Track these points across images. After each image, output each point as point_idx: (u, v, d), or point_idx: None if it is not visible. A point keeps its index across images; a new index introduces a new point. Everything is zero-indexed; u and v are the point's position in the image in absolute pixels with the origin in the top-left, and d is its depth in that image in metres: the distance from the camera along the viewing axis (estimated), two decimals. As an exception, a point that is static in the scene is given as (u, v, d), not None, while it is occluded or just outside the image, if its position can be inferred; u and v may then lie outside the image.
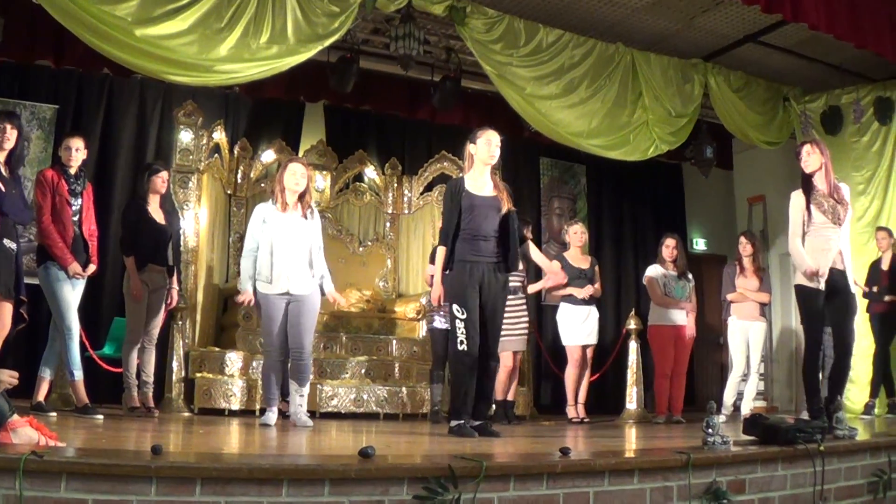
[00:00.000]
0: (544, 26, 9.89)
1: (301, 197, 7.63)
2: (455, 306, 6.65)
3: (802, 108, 11.72)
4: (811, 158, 7.27)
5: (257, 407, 9.11)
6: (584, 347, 10.28)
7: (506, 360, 9.25)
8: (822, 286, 7.11)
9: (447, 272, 6.82)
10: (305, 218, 7.60)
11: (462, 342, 6.57)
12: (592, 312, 10.32)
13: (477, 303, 6.70)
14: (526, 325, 9.89)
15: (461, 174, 7.14)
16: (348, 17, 8.80)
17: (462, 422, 6.56)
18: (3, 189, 6.84)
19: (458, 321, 6.61)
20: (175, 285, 8.82)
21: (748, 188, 14.06)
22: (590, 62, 10.18)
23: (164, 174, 8.72)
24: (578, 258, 10.43)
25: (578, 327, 10.23)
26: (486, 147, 6.91)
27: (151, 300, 8.54)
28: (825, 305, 7.23)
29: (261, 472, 3.74)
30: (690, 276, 10.71)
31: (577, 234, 10.50)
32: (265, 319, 7.55)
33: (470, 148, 6.97)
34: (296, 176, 7.57)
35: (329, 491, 3.81)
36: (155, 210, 8.60)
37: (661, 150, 10.76)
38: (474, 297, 6.68)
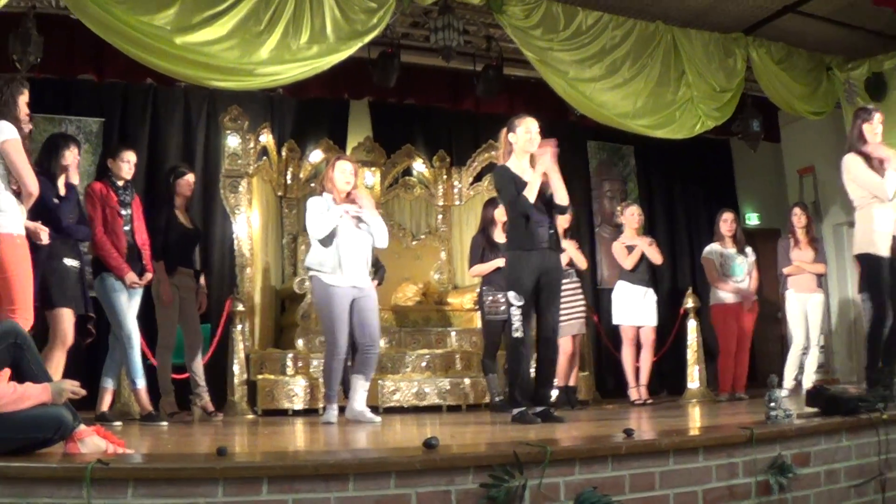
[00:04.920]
0: (583, 9, 9.83)
1: (348, 194, 7.66)
2: (512, 293, 6.68)
3: (846, 76, 11.56)
4: (880, 127, 7.12)
5: (320, 405, 9.10)
6: (639, 328, 10.24)
7: (564, 346, 9.27)
8: (888, 253, 6.99)
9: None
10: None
11: (518, 329, 6.62)
12: (649, 293, 10.27)
13: (532, 291, 6.74)
14: (583, 308, 9.88)
15: (500, 162, 7.15)
16: (386, 11, 8.81)
17: (524, 409, 6.59)
18: (62, 210, 6.95)
19: (514, 308, 6.65)
20: (204, 288, 8.90)
21: (797, 159, 13.94)
22: (630, 42, 10.12)
23: (189, 176, 8.78)
24: (635, 240, 10.36)
25: (633, 307, 10.20)
26: (526, 135, 6.96)
27: (183, 304, 8.60)
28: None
29: (326, 468, 3.77)
30: (750, 249, 10.62)
31: (633, 216, 10.46)
32: (329, 318, 7.49)
33: (509, 136, 7.02)
34: (346, 174, 7.61)
35: (395, 483, 3.83)
36: (181, 213, 8.67)
37: (708, 126, 10.66)
38: (530, 285, 6.72)
